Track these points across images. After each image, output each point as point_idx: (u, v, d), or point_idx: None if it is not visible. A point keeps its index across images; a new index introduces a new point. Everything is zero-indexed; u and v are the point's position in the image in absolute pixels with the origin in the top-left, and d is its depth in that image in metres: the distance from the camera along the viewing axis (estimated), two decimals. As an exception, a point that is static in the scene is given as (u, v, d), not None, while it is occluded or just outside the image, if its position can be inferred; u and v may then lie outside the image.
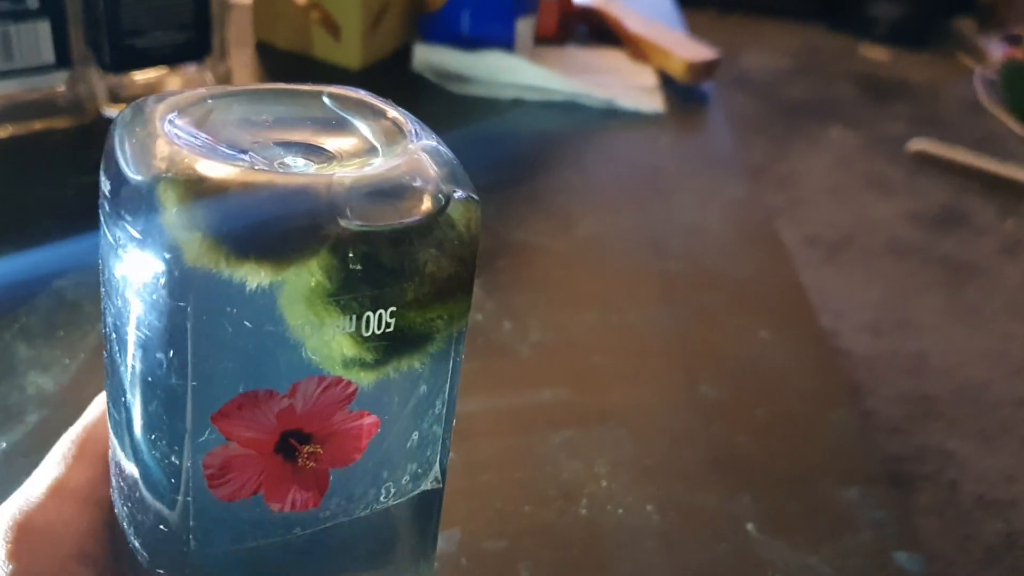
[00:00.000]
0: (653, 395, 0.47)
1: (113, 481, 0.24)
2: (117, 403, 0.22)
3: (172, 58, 0.65)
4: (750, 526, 0.40)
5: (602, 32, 0.89)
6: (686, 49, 0.80)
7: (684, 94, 0.80)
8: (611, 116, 0.76)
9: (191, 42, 0.66)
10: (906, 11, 3.08)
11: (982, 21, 3.23)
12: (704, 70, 0.79)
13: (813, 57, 2.92)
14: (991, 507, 1.31)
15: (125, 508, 0.23)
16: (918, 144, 2.31)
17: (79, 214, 0.56)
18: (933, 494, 1.32)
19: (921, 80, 2.86)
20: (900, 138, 2.40)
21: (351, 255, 0.20)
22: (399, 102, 0.81)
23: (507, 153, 0.69)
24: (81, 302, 0.47)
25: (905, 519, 0.43)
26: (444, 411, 0.26)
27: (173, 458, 0.21)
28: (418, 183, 0.21)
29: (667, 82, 0.81)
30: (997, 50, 2.98)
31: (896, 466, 1.36)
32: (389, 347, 0.22)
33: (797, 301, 0.55)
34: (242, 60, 0.79)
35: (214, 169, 0.19)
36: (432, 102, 0.75)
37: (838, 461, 0.45)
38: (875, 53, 3.04)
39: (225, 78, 0.70)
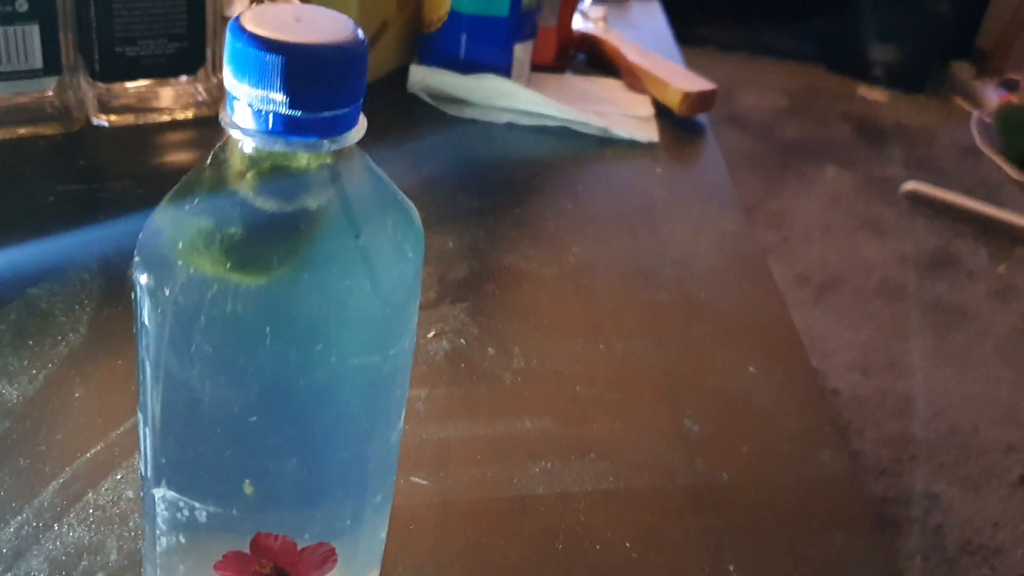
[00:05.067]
0: (637, 427, 0.46)
1: None
2: None
3: (164, 69, 0.65)
4: (732, 567, 0.38)
5: (600, 61, 0.89)
6: (683, 80, 0.80)
7: (680, 125, 0.80)
8: (606, 144, 0.75)
9: (184, 53, 0.65)
10: (904, 54, 3.10)
11: (979, 66, 3.26)
12: (700, 102, 0.79)
13: (810, 97, 2.94)
14: (977, 553, 1.29)
15: None
16: (912, 185, 2.32)
17: (58, 222, 0.55)
18: (919, 538, 1.30)
19: (917, 123, 2.87)
20: (894, 180, 2.41)
21: None
22: (394, 123, 0.81)
23: (500, 177, 0.68)
24: (54, 311, 0.46)
25: (890, 566, 0.42)
26: None
27: None
28: None
29: (664, 113, 0.81)
30: (994, 95, 3.00)
31: (882, 508, 1.35)
32: None
33: (787, 338, 0.54)
34: (236, 74, 0.79)
35: None
36: (426, 124, 0.74)
37: (823, 503, 0.43)
38: (872, 95, 3.05)
39: (218, 91, 0.70)
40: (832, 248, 2.05)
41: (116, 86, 0.64)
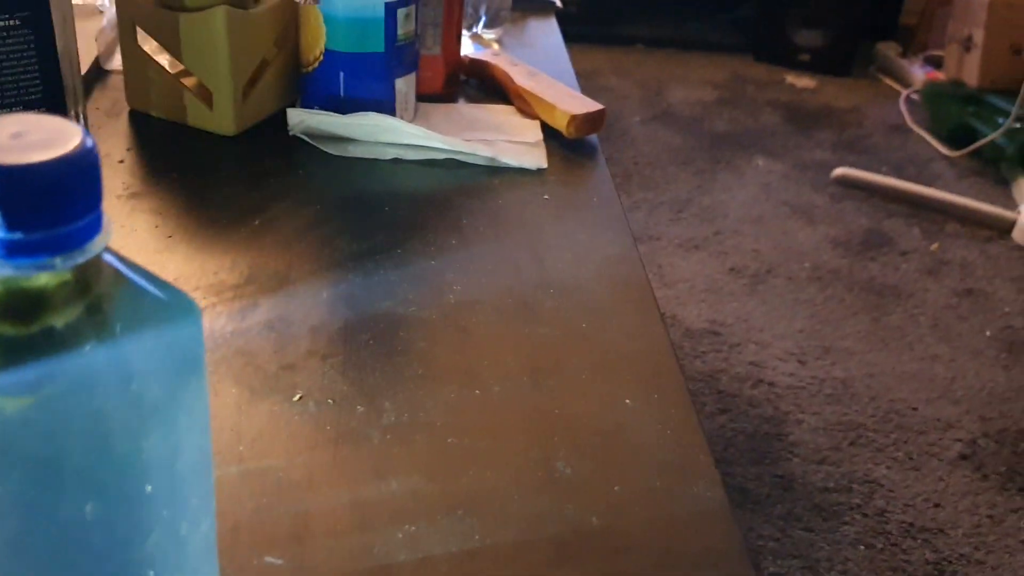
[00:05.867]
0: (507, 477, 0.45)
1: None
2: None
3: (25, 135, 0.63)
4: (593, 621, 0.38)
5: (491, 86, 0.89)
6: (570, 103, 0.80)
7: (571, 148, 0.79)
8: (494, 173, 0.75)
9: (45, 118, 0.63)
10: (829, 39, 3.14)
11: (904, 45, 3.31)
12: (588, 123, 0.79)
13: (739, 88, 2.96)
14: (919, 536, 1.31)
15: None
16: (841, 171, 2.35)
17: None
18: (862, 525, 1.32)
19: (846, 106, 2.91)
20: (825, 165, 2.44)
21: None
22: (273, 168, 0.79)
23: (382, 217, 0.67)
24: None
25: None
26: None
27: None
28: None
29: (555, 136, 0.80)
30: (920, 73, 3.05)
31: (823, 497, 1.36)
32: None
33: (665, 365, 0.54)
34: (116, 129, 0.77)
35: None
36: (308, 166, 0.73)
37: (695, 541, 0.43)
38: (801, 81, 3.09)
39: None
40: (764, 238, 2.07)
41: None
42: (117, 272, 0.26)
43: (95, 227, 0.24)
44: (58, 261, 0.23)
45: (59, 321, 0.24)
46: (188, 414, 0.27)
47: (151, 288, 0.27)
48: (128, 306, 0.26)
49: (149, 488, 0.26)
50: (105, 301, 0.25)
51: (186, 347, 0.27)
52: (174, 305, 0.27)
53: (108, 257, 0.26)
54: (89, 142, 0.23)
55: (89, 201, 0.23)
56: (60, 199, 0.23)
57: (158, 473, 0.26)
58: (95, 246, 0.24)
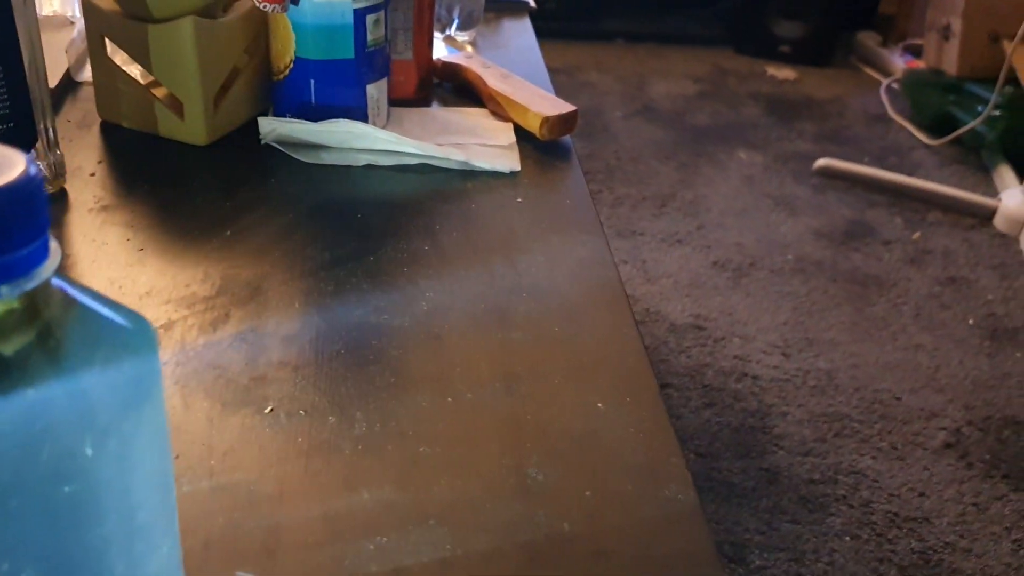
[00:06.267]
0: (479, 485, 0.46)
1: None
2: None
3: (-7, 151, 0.63)
4: (564, 628, 0.38)
5: (465, 89, 0.89)
6: (542, 104, 0.80)
7: (544, 149, 0.80)
8: (467, 177, 0.75)
9: (13, 133, 0.63)
10: (810, 29, 3.15)
11: (884, 34, 3.32)
12: (562, 125, 0.79)
13: (720, 81, 2.97)
14: (904, 525, 1.32)
15: None
16: (823, 162, 2.35)
17: None
18: (847, 516, 1.32)
19: (827, 96, 2.92)
20: (807, 156, 2.45)
21: None
22: (245, 178, 0.79)
23: (354, 224, 0.67)
24: None
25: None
26: None
27: None
28: None
29: (529, 138, 0.80)
30: (900, 62, 3.07)
31: (809, 489, 1.36)
32: None
33: (637, 367, 0.54)
34: (87, 141, 0.77)
35: None
36: (281, 174, 0.73)
37: (667, 544, 0.43)
38: (781, 73, 3.10)
39: (59, 167, 0.68)
40: (747, 231, 2.07)
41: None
42: (67, 297, 0.26)
43: (42, 254, 0.24)
44: (4, 289, 0.23)
45: (7, 349, 0.24)
46: (145, 437, 0.27)
47: (103, 311, 0.27)
48: (79, 331, 0.26)
49: (104, 515, 0.26)
50: (55, 327, 0.25)
51: (141, 369, 0.27)
52: (127, 327, 0.27)
53: (57, 282, 0.26)
54: (32, 169, 0.23)
55: (34, 228, 0.23)
56: (4, 228, 0.23)
57: (113, 499, 0.26)
58: (43, 272, 0.24)
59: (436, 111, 0.85)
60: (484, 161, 0.75)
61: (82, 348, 0.25)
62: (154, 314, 0.56)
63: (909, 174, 2.36)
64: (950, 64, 2.52)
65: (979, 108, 2.39)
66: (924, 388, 1.61)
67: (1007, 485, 1.41)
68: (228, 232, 0.65)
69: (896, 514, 1.33)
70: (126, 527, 0.27)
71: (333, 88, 0.75)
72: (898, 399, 1.58)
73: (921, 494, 1.38)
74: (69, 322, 0.26)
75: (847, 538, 1.29)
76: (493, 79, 0.84)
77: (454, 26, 1.00)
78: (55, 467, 0.24)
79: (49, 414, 0.24)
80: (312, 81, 0.75)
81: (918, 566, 1.25)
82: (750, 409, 1.52)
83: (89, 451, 0.25)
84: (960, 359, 1.69)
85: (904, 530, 1.31)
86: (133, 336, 0.27)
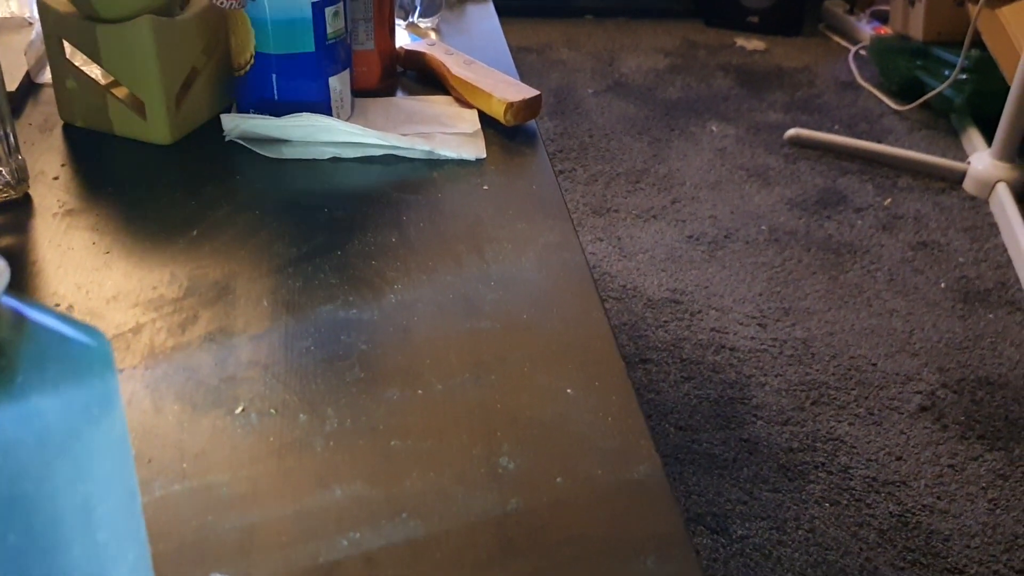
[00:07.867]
0: (451, 476, 0.46)
1: None
2: None
3: (-48, 160, 0.62)
4: (536, 614, 0.39)
5: (429, 76, 0.88)
6: (506, 90, 0.80)
7: (509, 135, 0.80)
8: (433, 166, 0.75)
9: (-29, 141, 0.62)
10: (777, -2, 3.15)
11: (851, 1, 3.33)
12: (526, 109, 0.79)
13: (690, 54, 2.97)
14: (882, 490, 1.34)
15: None
16: (794, 132, 2.36)
17: None
18: (826, 483, 1.34)
19: (796, 65, 2.93)
20: (778, 126, 2.45)
21: None
22: (209, 175, 0.79)
23: (321, 218, 0.67)
24: None
25: None
26: None
27: None
28: None
29: (493, 124, 0.80)
30: (867, 28, 3.08)
31: (788, 458, 1.38)
32: None
33: (604, 350, 0.55)
34: (49, 144, 0.76)
35: None
36: (246, 171, 0.73)
37: (637, 527, 0.44)
38: (751, 44, 3.10)
39: (22, 172, 0.67)
40: (721, 203, 2.08)
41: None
42: (17, 314, 0.26)
43: None
44: None
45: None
46: (104, 450, 0.27)
47: (56, 326, 0.27)
48: (32, 349, 0.26)
49: (66, 534, 0.26)
50: (7, 345, 0.25)
51: (97, 382, 0.27)
52: (81, 340, 0.27)
53: (7, 300, 0.26)
54: None
55: None
56: None
57: (74, 513, 0.26)
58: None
59: (401, 100, 0.85)
60: (449, 149, 0.75)
61: (35, 366, 0.26)
62: (122, 318, 0.56)
63: (879, 140, 2.37)
64: (916, 29, 2.53)
65: (946, 72, 2.40)
66: (899, 353, 1.63)
67: (982, 445, 1.43)
68: (194, 231, 0.65)
69: (874, 479, 1.36)
70: (88, 542, 0.27)
71: (295, 82, 0.75)
72: (873, 365, 1.60)
73: (898, 458, 1.40)
74: (21, 339, 0.26)
75: (827, 504, 1.31)
76: (456, 66, 0.84)
77: (416, 13, 0.99)
78: (9, 489, 0.25)
79: (2, 435, 0.24)
80: (274, 76, 0.74)
81: (897, 528, 1.27)
82: (728, 380, 1.54)
83: (46, 469, 0.25)
84: (933, 322, 1.71)
85: (882, 494, 1.33)
86: (87, 350, 0.27)
